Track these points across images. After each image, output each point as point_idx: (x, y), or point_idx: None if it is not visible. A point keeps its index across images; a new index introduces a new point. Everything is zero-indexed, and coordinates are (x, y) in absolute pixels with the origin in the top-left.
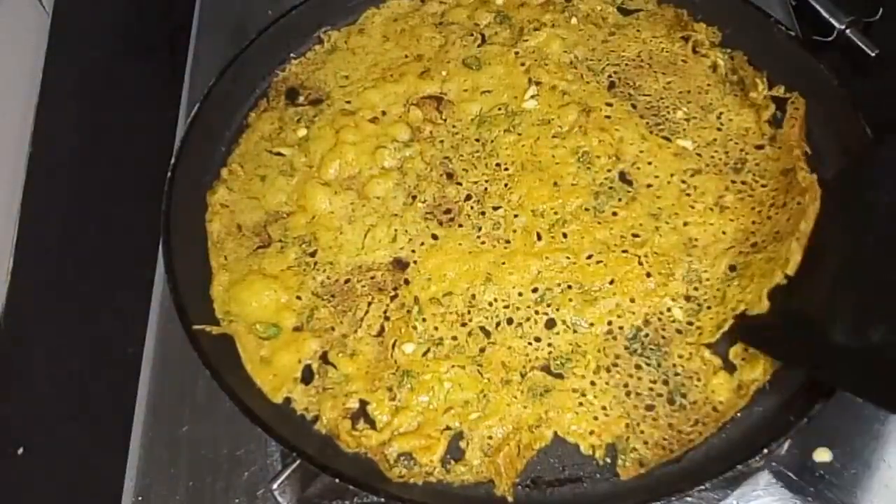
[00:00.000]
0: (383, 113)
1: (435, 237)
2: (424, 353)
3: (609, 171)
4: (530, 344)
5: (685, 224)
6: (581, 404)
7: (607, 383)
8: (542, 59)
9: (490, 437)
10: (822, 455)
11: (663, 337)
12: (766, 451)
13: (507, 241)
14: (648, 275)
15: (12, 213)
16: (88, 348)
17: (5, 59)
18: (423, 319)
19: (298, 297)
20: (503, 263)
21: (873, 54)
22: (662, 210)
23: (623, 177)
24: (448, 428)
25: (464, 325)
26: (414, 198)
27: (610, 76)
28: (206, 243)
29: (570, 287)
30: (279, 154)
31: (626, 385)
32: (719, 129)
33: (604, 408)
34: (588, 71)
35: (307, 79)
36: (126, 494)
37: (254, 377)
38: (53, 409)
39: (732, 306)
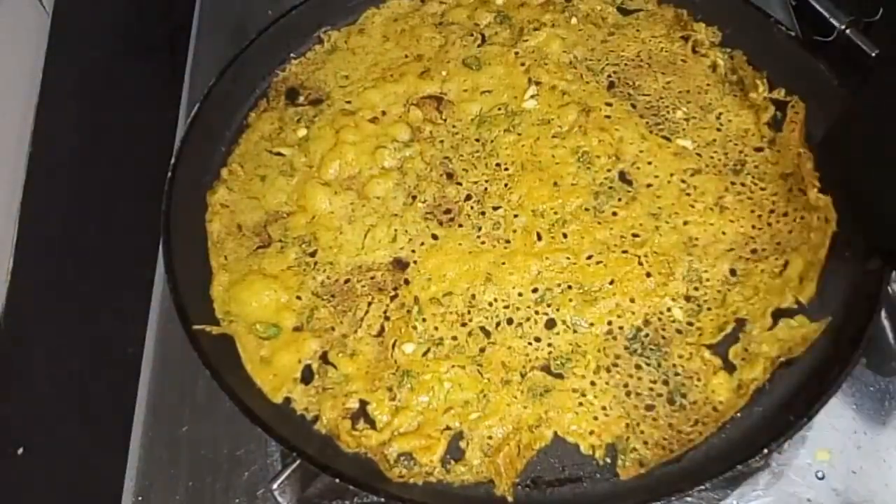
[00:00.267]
0: (383, 113)
1: (435, 237)
2: (424, 353)
3: (609, 170)
4: (530, 344)
5: (685, 223)
6: (581, 404)
7: (607, 383)
8: (542, 59)
9: (490, 437)
10: (822, 455)
11: (663, 337)
12: (766, 451)
13: (507, 241)
14: (648, 275)
15: (12, 213)
16: (88, 348)
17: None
18: (423, 319)
19: (298, 297)
20: (503, 263)
21: (873, 54)
22: (662, 210)
23: (623, 176)
24: (448, 428)
25: (464, 325)
26: (414, 198)
27: (609, 76)
28: (206, 243)
29: (570, 287)
30: (279, 154)
31: (626, 385)
32: (719, 130)
33: (604, 408)
34: (588, 71)
35: (307, 79)
36: (126, 494)
37: (254, 377)
38: (53, 409)
39: (733, 310)
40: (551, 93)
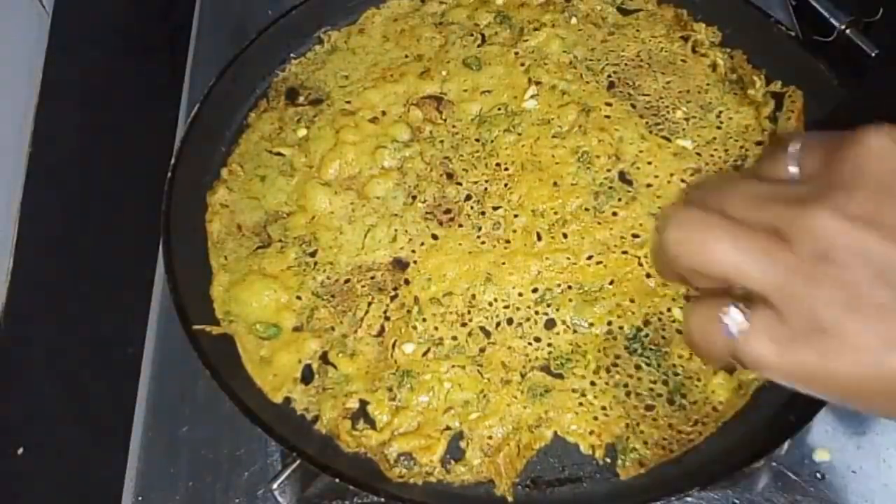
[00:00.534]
0: (383, 113)
1: (435, 237)
2: (424, 353)
3: (609, 170)
4: (530, 344)
5: None
6: (581, 404)
7: (607, 383)
8: (542, 59)
9: (490, 437)
10: (822, 455)
11: (663, 337)
12: (766, 451)
13: (507, 241)
14: (648, 275)
15: (12, 213)
16: (88, 348)
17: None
18: (423, 319)
19: (298, 297)
20: (503, 263)
21: (873, 54)
22: (662, 210)
23: (623, 176)
24: (448, 428)
25: (464, 325)
26: (414, 198)
27: (609, 76)
28: (206, 243)
29: (569, 287)
30: (279, 154)
31: (625, 385)
32: (719, 128)
33: (604, 408)
34: (588, 71)
35: (307, 79)
36: (126, 494)
37: (254, 377)
38: (53, 409)
39: None
40: (551, 93)
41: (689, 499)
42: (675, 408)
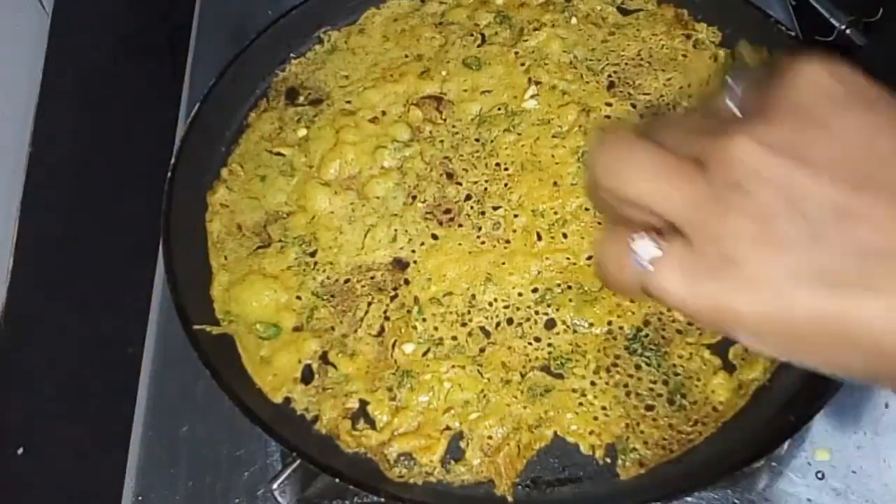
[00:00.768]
0: (383, 113)
1: (435, 237)
2: (424, 354)
3: None
4: (530, 344)
5: None
6: (581, 404)
7: (607, 383)
8: (542, 59)
9: (490, 437)
10: (822, 455)
11: (663, 337)
12: (766, 452)
13: (507, 241)
14: None
15: (12, 213)
16: (88, 348)
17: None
18: (423, 319)
19: (298, 297)
20: (503, 263)
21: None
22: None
23: None
24: (448, 428)
25: (464, 325)
26: (414, 198)
27: (609, 76)
28: (206, 243)
29: (569, 287)
30: (279, 154)
31: (625, 385)
32: None
33: (604, 408)
34: (588, 71)
35: (307, 79)
36: (126, 494)
37: (254, 377)
38: (53, 409)
39: None
40: (551, 93)
41: (689, 499)
42: (676, 408)
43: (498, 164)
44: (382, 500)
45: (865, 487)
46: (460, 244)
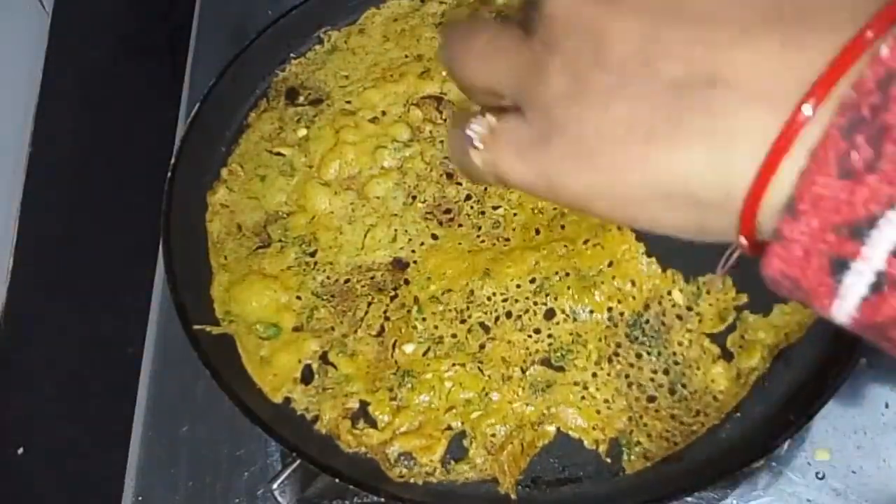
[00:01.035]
0: (383, 113)
1: (435, 237)
2: (425, 353)
3: None
4: (530, 336)
5: None
6: (583, 398)
7: (609, 374)
8: None
9: (493, 435)
10: (822, 455)
11: (663, 323)
12: (766, 451)
13: (507, 239)
14: (646, 254)
15: (12, 213)
16: (88, 348)
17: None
18: (423, 319)
19: (298, 297)
20: (502, 258)
21: None
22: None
23: None
24: (449, 428)
25: (463, 321)
26: (414, 198)
27: None
28: (206, 243)
29: (567, 274)
30: (279, 154)
31: (627, 376)
32: None
33: (606, 401)
34: None
35: (307, 79)
36: (126, 494)
37: (254, 377)
38: (53, 409)
39: (732, 296)
40: None
41: (689, 499)
42: (677, 398)
43: None
44: (383, 500)
45: (865, 487)
46: (460, 243)
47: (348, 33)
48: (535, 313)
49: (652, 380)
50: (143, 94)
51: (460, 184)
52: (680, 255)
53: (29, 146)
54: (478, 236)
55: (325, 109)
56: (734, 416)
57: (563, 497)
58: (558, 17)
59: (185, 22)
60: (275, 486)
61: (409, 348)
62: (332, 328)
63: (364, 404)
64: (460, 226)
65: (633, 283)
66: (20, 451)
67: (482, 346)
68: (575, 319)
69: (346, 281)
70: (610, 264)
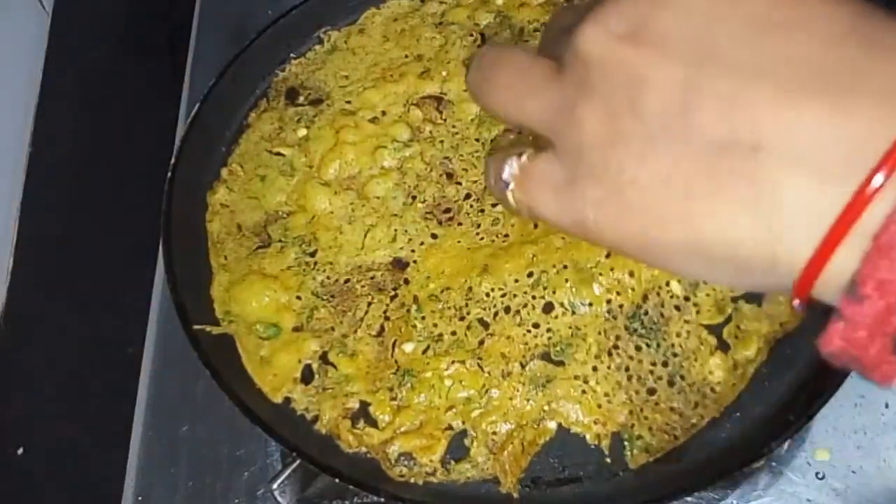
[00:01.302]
0: (383, 113)
1: (434, 236)
2: (424, 351)
3: None
4: (529, 331)
5: None
6: (584, 392)
7: (608, 367)
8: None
9: (494, 433)
10: (822, 455)
11: (662, 315)
12: (766, 451)
13: (506, 235)
14: None
15: (12, 213)
16: (88, 348)
17: (5, 59)
18: (423, 317)
19: (298, 298)
20: (500, 253)
21: None
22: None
23: None
24: (450, 427)
25: (462, 318)
26: (414, 198)
27: None
28: (206, 243)
29: (565, 267)
30: (279, 154)
31: (627, 369)
32: None
33: (606, 394)
34: None
35: (307, 79)
36: (126, 494)
37: (254, 377)
38: (53, 409)
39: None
40: None
41: (688, 499)
42: (676, 390)
43: None
44: (383, 500)
45: (865, 487)
46: (459, 242)
47: (348, 33)
48: (533, 307)
49: (651, 372)
50: (143, 94)
51: (460, 183)
52: None
53: (29, 146)
54: (477, 234)
55: (325, 109)
56: (734, 415)
57: (564, 497)
58: (593, 57)
59: (185, 22)
60: (275, 486)
61: (408, 347)
62: (332, 328)
63: (364, 404)
64: (460, 224)
65: (632, 275)
66: (20, 451)
67: (481, 343)
68: (574, 312)
69: (346, 281)
70: (607, 256)
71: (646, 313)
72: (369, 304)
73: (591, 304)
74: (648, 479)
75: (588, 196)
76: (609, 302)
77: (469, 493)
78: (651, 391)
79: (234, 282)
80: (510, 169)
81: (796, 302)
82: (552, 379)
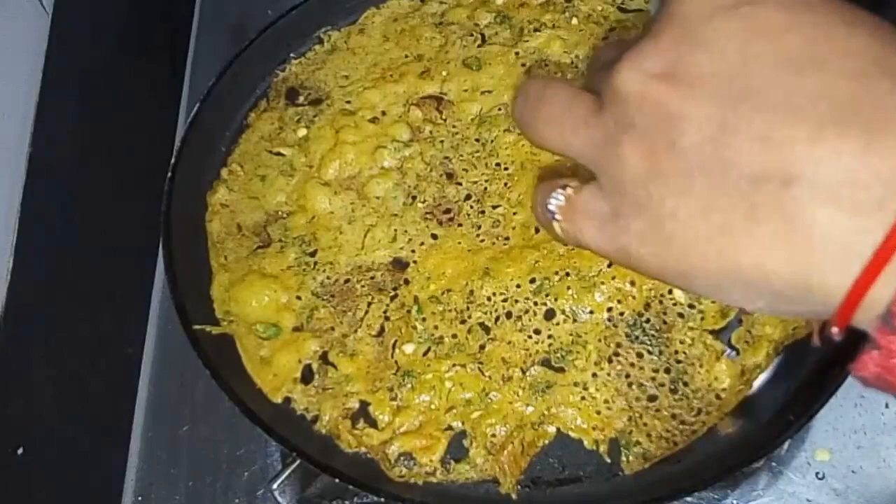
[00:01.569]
0: (383, 113)
1: (434, 237)
2: (425, 353)
3: None
4: (530, 337)
5: None
6: (583, 398)
7: (609, 374)
8: (543, 60)
9: (493, 435)
10: (822, 455)
11: (664, 322)
12: (766, 451)
13: (507, 238)
14: None
15: (12, 213)
16: (88, 348)
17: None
18: (423, 319)
19: (298, 298)
20: (501, 257)
21: None
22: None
23: None
24: (450, 428)
25: (463, 322)
26: (414, 198)
27: None
28: (206, 243)
29: (567, 274)
30: (279, 154)
31: (627, 376)
32: None
33: (606, 401)
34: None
35: (307, 79)
36: (126, 494)
37: (254, 377)
38: (53, 409)
39: None
40: None
41: (689, 499)
42: (678, 397)
43: (498, 164)
44: (382, 500)
45: (865, 487)
46: (460, 243)
47: (348, 33)
48: (535, 314)
49: (653, 379)
50: (143, 94)
51: (460, 184)
52: None
53: (29, 146)
54: (477, 235)
55: (324, 109)
56: (734, 414)
57: (564, 497)
58: (631, 96)
59: (185, 22)
60: (275, 486)
61: (409, 348)
62: (332, 328)
63: (364, 404)
64: (460, 225)
65: (633, 284)
66: (20, 451)
67: (482, 347)
68: (575, 320)
69: (346, 281)
70: (610, 264)
71: (647, 321)
72: (369, 304)
73: (592, 312)
74: (648, 480)
75: (631, 228)
76: (610, 310)
77: (468, 493)
78: (652, 398)
79: (234, 282)
80: (556, 201)
81: (835, 330)
82: (552, 384)
